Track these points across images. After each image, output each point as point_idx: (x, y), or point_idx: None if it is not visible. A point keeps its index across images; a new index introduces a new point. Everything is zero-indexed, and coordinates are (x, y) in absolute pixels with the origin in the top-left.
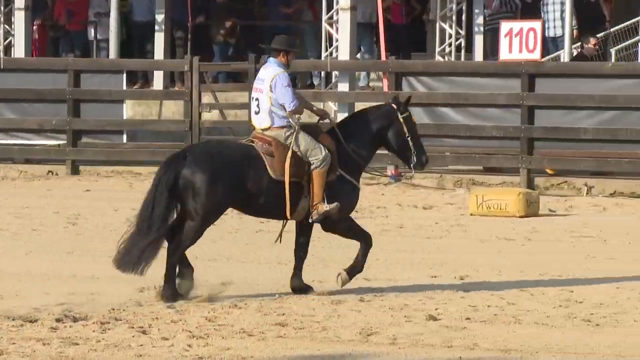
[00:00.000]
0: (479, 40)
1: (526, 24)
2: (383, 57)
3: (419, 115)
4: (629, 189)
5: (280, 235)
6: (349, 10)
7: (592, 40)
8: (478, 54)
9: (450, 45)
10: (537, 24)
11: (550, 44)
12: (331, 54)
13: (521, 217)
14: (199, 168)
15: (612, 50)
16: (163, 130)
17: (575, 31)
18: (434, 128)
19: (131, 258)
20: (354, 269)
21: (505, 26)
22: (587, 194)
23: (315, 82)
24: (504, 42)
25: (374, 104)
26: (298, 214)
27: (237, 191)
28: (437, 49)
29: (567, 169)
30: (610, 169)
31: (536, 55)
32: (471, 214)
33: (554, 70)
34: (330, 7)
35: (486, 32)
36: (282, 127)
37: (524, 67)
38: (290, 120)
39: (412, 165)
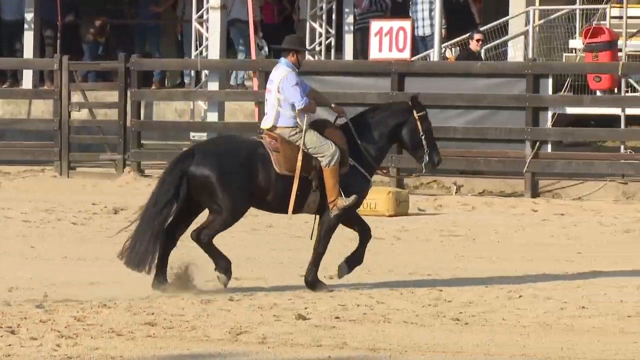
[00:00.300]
0: (349, 40)
1: (396, 23)
2: (253, 56)
3: None
4: (497, 188)
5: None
6: (219, 10)
7: (477, 36)
8: (348, 53)
9: (320, 44)
10: (406, 23)
11: (419, 43)
12: (201, 52)
13: (390, 216)
14: (207, 166)
15: (482, 50)
16: (32, 130)
17: (444, 30)
18: None
19: (136, 255)
20: (354, 260)
21: (375, 25)
22: (456, 192)
23: (187, 80)
24: (374, 41)
25: (243, 103)
26: (308, 207)
27: (249, 185)
28: (307, 48)
29: (437, 167)
30: (480, 168)
31: (406, 54)
32: None
33: (424, 70)
34: (200, 6)
35: (356, 32)
36: (287, 127)
37: (393, 66)
38: (297, 120)
39: (423, 164)
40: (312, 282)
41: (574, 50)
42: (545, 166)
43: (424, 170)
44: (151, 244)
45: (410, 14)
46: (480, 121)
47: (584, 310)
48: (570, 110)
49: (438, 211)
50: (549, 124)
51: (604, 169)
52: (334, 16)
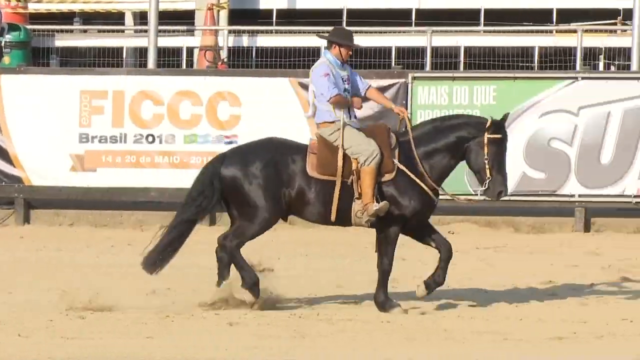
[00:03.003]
0: None
1: None
2: None
3: None
4: None
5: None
6: None
7: None
8: None
9: None
10: None
11: None
12: None
13: None
14: (233, 167)
15: None
16: None
17: None
18: None
19: (152, 257)
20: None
21: None
22: None
23: None
24: None
25: None
26: (357, 219)
27: (277, 189)
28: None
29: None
30: None
31: None
32: None
33: None
34: None
35: None
36: (329, 122)
37: None
38: (333, 114)
39: (481, 190)
40: (382, 303)
41: None
42: None
43: (479, 196)
44: (167, 251)
45: None
46: None
47: None
48: None
49: None
50: None
51: None
52: None
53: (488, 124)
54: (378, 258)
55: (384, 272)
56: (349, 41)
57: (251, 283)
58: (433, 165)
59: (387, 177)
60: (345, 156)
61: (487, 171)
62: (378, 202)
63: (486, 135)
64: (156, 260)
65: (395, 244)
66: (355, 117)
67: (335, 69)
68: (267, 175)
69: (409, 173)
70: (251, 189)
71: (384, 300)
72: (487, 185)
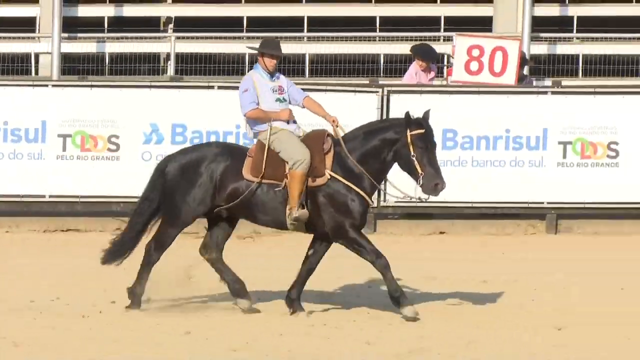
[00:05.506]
0: None
1: None
2: None
3: None
4: None
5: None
6: None
7: None
8: None
9: None
10: None
11: None
12: None
13: None
14: (172, 165)
15: None
16: None
17: None
18: None
19: (112, 252)
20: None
21: None
22: None
23: None
24: None
25: None
26: (295, 224)
27: (209, 191)
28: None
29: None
30: None
31: None
32: None
33: None
34: None
35: None
36: (263, 130)
37: None
38: (271, 124)
39: (420, 187)
40: (398, 298)
41: None
42: None
43: (420, 197)
44: (125, 244)
45: None
46: None
47: None
48: None
49: None
50: None
51: None
52: None
53: (407, 122)
54: (364, 258)
55: (383, 267)
56: (272, 50)
57: (139, 295)
58: (367, 170)
59: (320, 181)
60: (277, 159)
61: (418, 168)
62: (303, 207)
63: (409, 133)
64: (115, 254)
65: (364, 238)
66: (295, 122)
67: (263, 81)
68: (198, 175)
69: (339, 178)
70: (178, 188)
71: (400, 295)
72: (421, 181)
